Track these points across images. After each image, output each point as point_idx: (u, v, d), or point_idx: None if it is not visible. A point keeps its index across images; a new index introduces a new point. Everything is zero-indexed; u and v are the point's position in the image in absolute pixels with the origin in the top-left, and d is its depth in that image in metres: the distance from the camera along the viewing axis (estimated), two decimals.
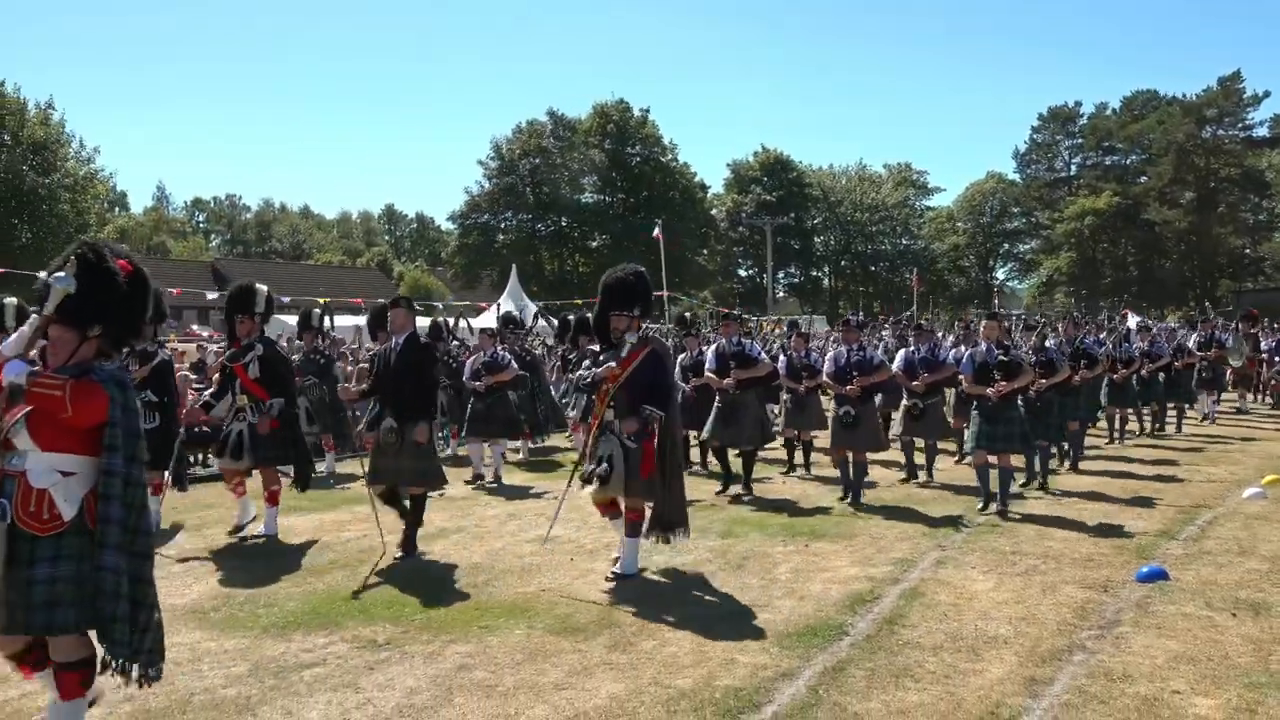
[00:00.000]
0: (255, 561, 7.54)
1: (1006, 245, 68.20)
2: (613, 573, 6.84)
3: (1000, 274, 70.21)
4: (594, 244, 57.71)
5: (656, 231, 20.94)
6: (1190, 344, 17.10)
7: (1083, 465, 11.84)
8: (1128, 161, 63.00)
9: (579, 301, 29.29)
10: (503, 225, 57.79)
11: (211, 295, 25.81)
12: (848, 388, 9.72)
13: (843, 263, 67.75)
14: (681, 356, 11.99)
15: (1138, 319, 22.39)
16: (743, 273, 67.41)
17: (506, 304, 29.55)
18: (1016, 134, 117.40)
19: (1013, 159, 67.34)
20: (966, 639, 5.46)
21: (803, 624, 5.74)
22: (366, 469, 7.73)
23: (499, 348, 12.59)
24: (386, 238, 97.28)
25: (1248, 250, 58.69)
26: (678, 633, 5.63)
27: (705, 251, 58.61)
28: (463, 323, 14.61)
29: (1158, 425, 15.50)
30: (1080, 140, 64.75)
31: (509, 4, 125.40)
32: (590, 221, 57.37)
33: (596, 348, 7.74)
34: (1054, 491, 10.19)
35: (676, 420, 7.07)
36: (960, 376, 9.87)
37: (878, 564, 7.19)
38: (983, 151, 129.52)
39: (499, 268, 51.48)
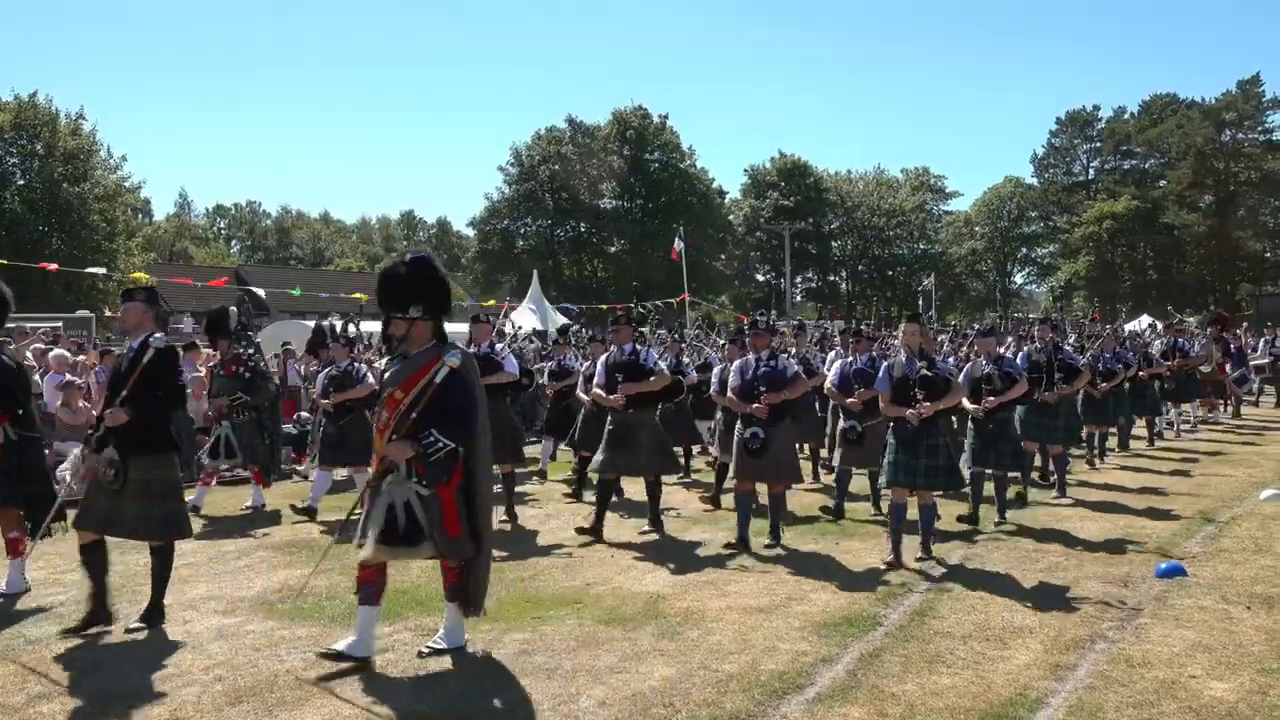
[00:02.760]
0: (310, 558, 7.91)
1: (1024, 249, 68.24)
2: (428, 647, 5.44)
3: (1018, 278, 70.35)
4: (613, 249, 58.28)
5: (677, 245, 21.45)
6: (1154, 351, 15.69)
7: (1099, 467, 12.11)
8: (1146, 165, 62.99)
9: (602, 306, 29.78)
10: (522, 231, 58.47)
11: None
12: (753, 406, 7.95)
13: (860, 267, 68.01)
14: (585, 365, 10.90)
15: (1148, 322, 22.13)
16: (760, 277, 67.78)
17: (527, 309, 30.00)
18: (1034, 138, 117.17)
19: (1030, 163, 67.56)
20: (994, 629, 5.80)
21: (838, 615, 6.08)
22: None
23: (358, 360, 10.55)
24: (405, 243, 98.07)
25: (1267, 254, 58.59)
26: (720, 623, 5.98)
27: (723, 256, 59.08)
28: (352, 328, 12.53)
29: (1119, 441, 13.96)
30: (1098, 144, 64.81)
31: (527, 10, 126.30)
32: (609, 227, 57.95)
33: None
34: (1007, 527, 8.70)
35: (485, 461, 5.54)
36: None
37: (906, 561, 7.51)
38: (1000, 156, 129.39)
39: (518, 273, 52.10)
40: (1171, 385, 15.54)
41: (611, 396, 8.36)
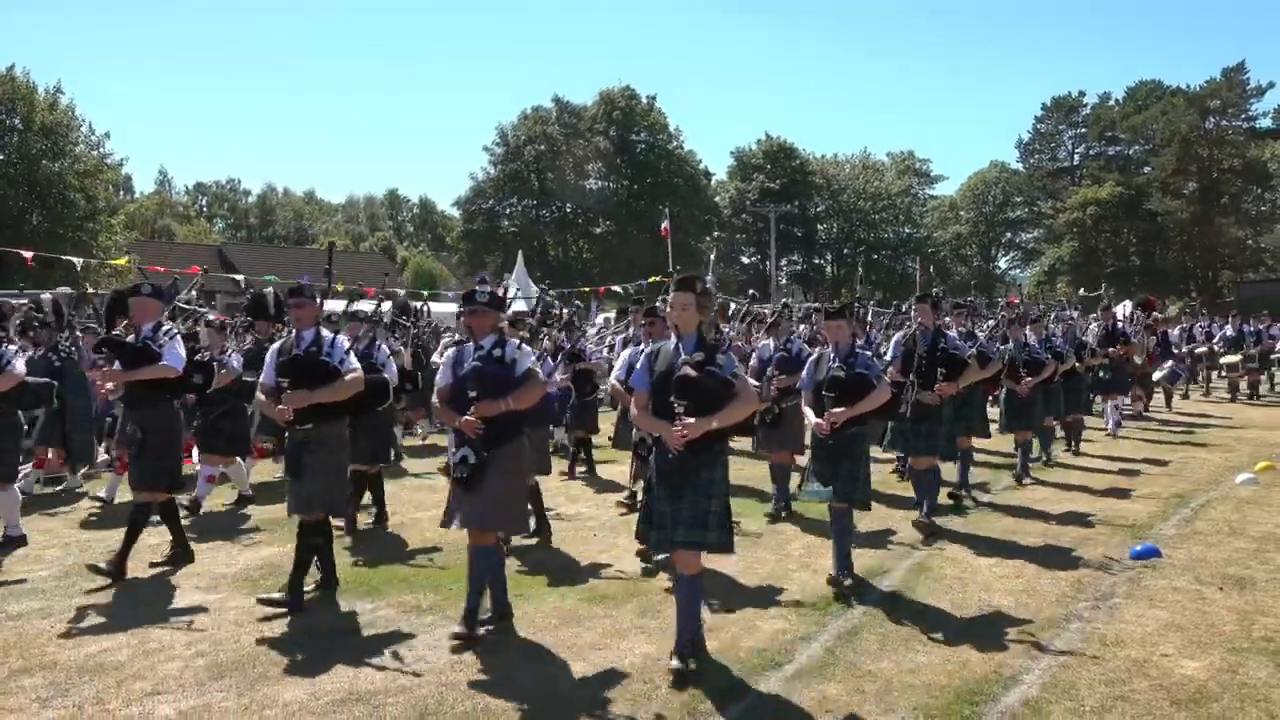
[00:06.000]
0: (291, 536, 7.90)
1: (1009, 234, 68.61)
2: None
3: (1002, 263, 70.70)
4: (598, 230, 58.17)
5: (665, 225, 21.46)
6: (1088, 338, 13.66)
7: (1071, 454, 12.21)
8: (1131, 152, 63.23)
9: (585, 289, 29.76)
10: (507, 211, 58.29)
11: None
12: (463, 419, 5.34)
13: (845, 251, 68.14)
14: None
15: (1128, 306, 20.50)
16: (746, 260, 67.81)
17: (512, 290, 29.93)
18: (1020, 123, 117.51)
19: (1016, 148, 67.85)
20: (970, 608, 5.88)
21: (817, 594, 6.14)
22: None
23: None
24: (390, 223, 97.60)
25: (1250, 241, 59.01)
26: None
27: (709, 238, 59.03)
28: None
29: (1068, 445, 12.22)
30: (1083, 130, 65.02)
31: None
32: (595, 208, 57.82)
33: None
34: (848, 591, 6.16)
35: None
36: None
37: (886, 543, 7.58)
38: (986, 141, 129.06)
39: (503, 253, 51.97)
40: (1107, 375, 13.80)
41: (278, 406, 5.85)
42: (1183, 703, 4.45)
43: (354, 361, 6.09)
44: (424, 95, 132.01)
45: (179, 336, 6.91)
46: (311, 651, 5.14)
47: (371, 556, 7.26)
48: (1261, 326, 20.37)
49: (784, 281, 65.05)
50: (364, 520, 8.28)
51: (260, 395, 6.17)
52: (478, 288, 5.72)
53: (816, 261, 68.81)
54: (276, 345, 6.24)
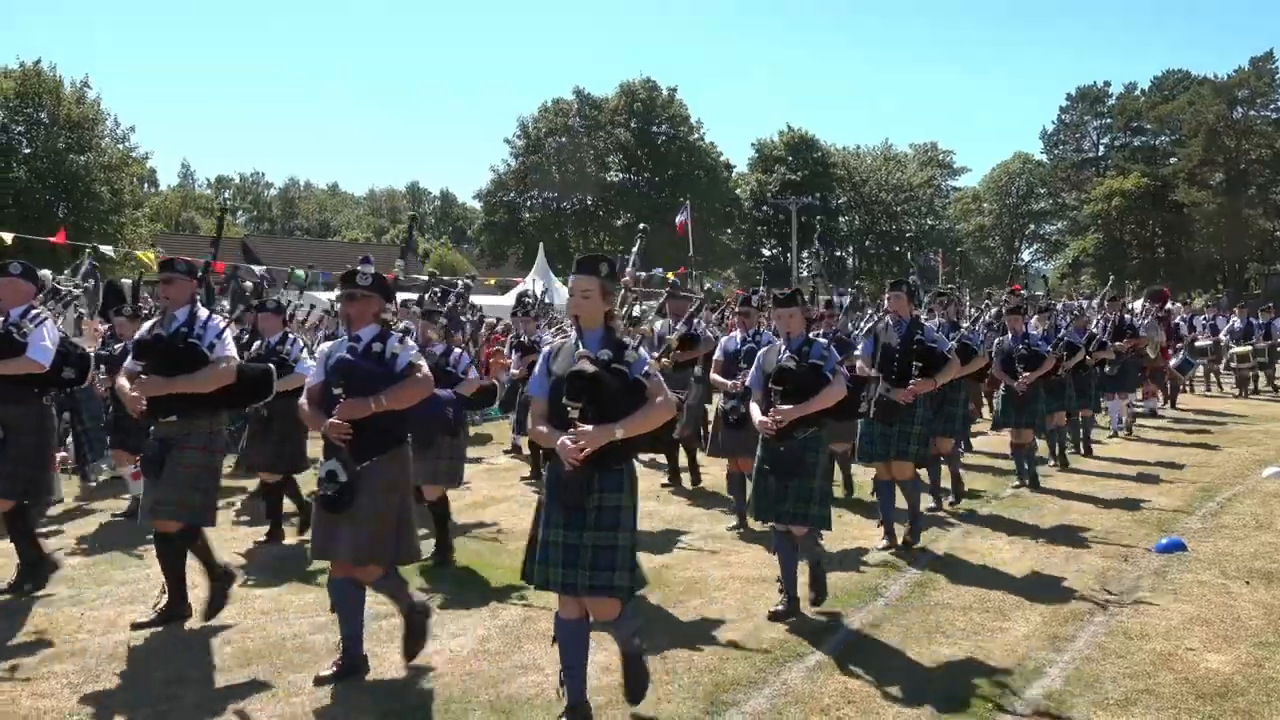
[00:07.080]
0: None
1: (1033, 226, 68.03)
2: None
3: (1026, 255, 70.15)
4: (619, 222, 58.11)
5: (680, 218, 21.29)
6: (1095, 329, 12.40)
7: (1093, 449, 12.10)
8: (1157, 142, 62.49)
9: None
10: (528, 203, 58.37)
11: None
12: (328, 422, 4.53)
13: (867, 243, 67.81)
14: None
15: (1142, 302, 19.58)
16: (766, 252, 67.62)
17: (533, 281, 29.99)
18: (1044, 114, 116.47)
19: (1040, 139, 67.01)
20: (994, 601, 5.86)
21: (839, 586, 6.12)
22: None
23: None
24: (411, 214, 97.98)
25: (1277, 232, 58.23)
26: (722, 592, 6.06)
27: (729, 231, 58.96)
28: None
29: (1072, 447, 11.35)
30: (1109, 121, 64.30)
31: None
32: (615, 200, 57.79)
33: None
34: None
35: None
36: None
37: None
38: (1010, 132, 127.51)
39: (524, 245, 52.14)
40: (1114, 371, 12.68)
41: (134, 392, 5.19)
42: (1208, 696, 4.42)
43: (227, 348, 5.31)
44: (445, 88, 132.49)
45: (48, 324, 5.99)
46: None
47: None
48: (1271, 319, 19.69)
49: (804, 274, 64.83)
50: (293, 535, 7.62)
51: (121, 380, 5.32)
52: (359, 268, 4.83)
53: (838, 254, 68.46)
54: (145, 326, 5.53)
